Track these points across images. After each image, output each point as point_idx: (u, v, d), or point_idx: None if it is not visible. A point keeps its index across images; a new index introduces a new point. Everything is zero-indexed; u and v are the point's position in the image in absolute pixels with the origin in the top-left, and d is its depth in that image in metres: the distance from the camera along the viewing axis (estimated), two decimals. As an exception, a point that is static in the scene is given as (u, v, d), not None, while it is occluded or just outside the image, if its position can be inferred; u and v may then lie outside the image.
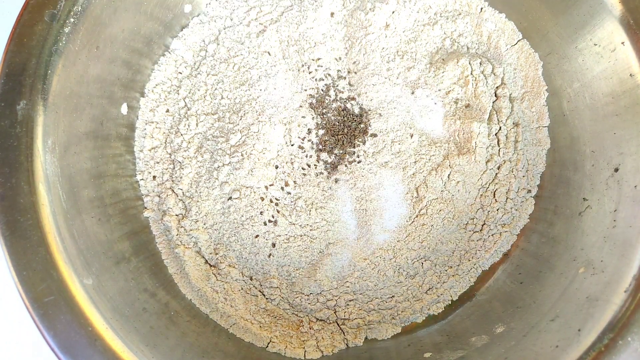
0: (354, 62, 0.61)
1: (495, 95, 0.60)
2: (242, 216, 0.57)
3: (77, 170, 0.50)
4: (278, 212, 0.58)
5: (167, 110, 0.59)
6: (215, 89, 0.59)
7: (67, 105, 0.49)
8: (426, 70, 0.60)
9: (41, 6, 0.47)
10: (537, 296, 0.53)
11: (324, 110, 0.60)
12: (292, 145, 0.59)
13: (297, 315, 0.58)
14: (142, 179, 0.58)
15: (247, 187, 0.58)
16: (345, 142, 0.60)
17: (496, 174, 0.59)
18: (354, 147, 0.60)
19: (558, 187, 0.58)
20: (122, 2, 0.52)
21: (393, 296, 0.59)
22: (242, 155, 0.57)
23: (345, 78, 0.61)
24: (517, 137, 0.60)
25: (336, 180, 0.59)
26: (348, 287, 0.58)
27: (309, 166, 0.59)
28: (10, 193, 0.43)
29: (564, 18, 0.56)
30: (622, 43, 0.51)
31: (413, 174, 0.59)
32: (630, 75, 0.50)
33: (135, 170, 0.58)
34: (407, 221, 0.59)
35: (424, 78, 0.60)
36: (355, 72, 0.61)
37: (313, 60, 0.61)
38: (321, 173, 0.59)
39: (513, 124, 0.60)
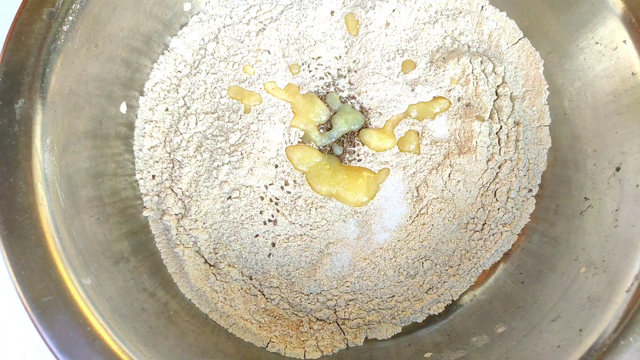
0: (354, 61, 0.60)
1: (496, 94, 0.60)
2: (242, 215, 0.57)
3: (75, 169, 0.49)
4: (278, 211, 0.58)
5: (167, 109, 0.59)
6: (215, 87, 0.59)
7: (65, 104, 0.48)
8: (427, 69, 0.60)
9: (40, 4, 0.46)
10: (539, 296, 0.53)
11: (324, 109, 0.60)
12: (291, 144, 0.59)
13: (297, 315, 0.58)
14: (142, 178, 0.58)
15: (246, 187, 0.57)
16: (345, 141, 0.60)
17: (497, 173, 0.59)
18: (354, 146, 0.60)
19: (559, 186, 0.58)
20: (121, 0, 0.52)
21: (393, 296, 0.58)
22: (241, 154, 0.57)
23: (345, 77, 0.61)
24: (518, 136, 0.60)
25: (336, 180, 0.59)
26: (348, 286, 0.58)
27: (309, 165, 0.59)
28: (9, 192, 0.43)
29: (565, 16, 0.55)
30: (624, 41, 0.50)
31: (413, 173, 0.59)
32: (632, 73, 0.50)
33: (134, 170, 0.58)
34: (407, 221, 0.59)
35: (424, 77, 0.60)
36: (356, 71, 0.60)
37: (313, 58, 0.61)
38: (321, 172, 0.59)
39: (514, 122, 0.60)
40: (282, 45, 0.60)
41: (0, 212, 0.43)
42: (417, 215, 0.59)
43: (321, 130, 0.60)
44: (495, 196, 0.59)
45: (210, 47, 0.60)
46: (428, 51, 0.60)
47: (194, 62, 0.60)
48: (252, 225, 0.57)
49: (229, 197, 0.57)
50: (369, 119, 0.60)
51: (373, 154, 0.59)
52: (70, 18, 0.48)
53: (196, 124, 0.58)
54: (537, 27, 0.59)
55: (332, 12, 0.60)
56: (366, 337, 0.58)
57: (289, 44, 0.60)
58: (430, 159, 0.59)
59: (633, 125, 0.50)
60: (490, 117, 0.59)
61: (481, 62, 0.59)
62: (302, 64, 0.61)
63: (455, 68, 0.59)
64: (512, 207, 0.59)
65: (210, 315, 0.57)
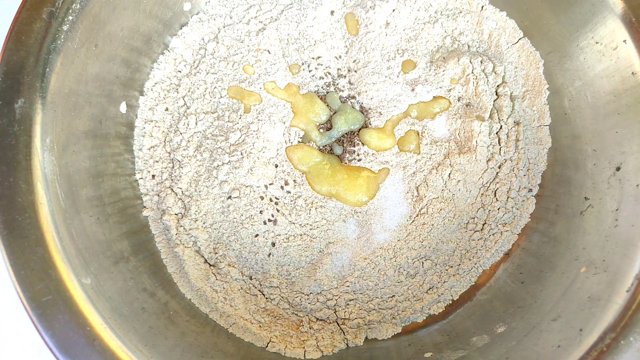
0: (354, 61, 0.60)
1: (496, 94, 0.60)
2: (242, 215, 0.57)
3: (75, 169, 0.49)
4: (278, 211, 0.58)
5: (167, 109, 0.59)
6: (215, 87, 0.59)
7: (65, 104, 0.48)
8: (427, 68, 0.60)
9: (40, 4, 0.46)
10: (539, 296, 0.53)
11: (324, 109, 0.60)
12: (291, 143, 0.59)
13: (297, 314, 0.58)
14: (141, 178, 0.58)
15: (246, 186, 0.57)
16: (345, 140, 0.60)
17: (497, 172, 0.59)
18: (354, 145, 0.60)
19: (559, 186, 0.58)
20: (121, 0, 0.52)
21: (393, 296, 0.58)
22: (241, 154, 0.57)
23: (345, 76, 0.61)
24: (518, 135, 0.60)
25: (336, 179, 0.59)
26: (348, 286, 0.58)
27: (309, 165, 0.59)
28: (9, 192, 0.43)
29: (566, 16, 0.55)
30: (624, 41, 0.50)
31: (413, 173, 0.59)
32: (632, 73, 0.50)
33: (134, 169, 0.58)
34: (407, 220, 0.59)
35: (424, 76, 0.60)
36: (356, 71, 0.60)
37: (313, 58, 0.61)
38: (321, 172, 0.59)
39: (514, 122, 0.60)
40: (282, 45, 0.60)
41: (0, 211, 0.43)
42: (417, 215, 0.59)
43: (321, 130, 0.60)
44: (495, 196, 0.59)
45: (210, 46, 0.60)
46: (428, 51, 0.60)
47: (194, 62, 0.60)
48: (252, 225, 0.57)
49: (229, 197, 0.57)
50: (369, 119, 0.60)
51: (373, 153, 0.59)
52: (70, 18, 0.48)
53: (196, 124, 0.58)
54: (537, 27, 0.59)
55: (332, 12, 0.60)
56: (366, 337, 0.58)
57: (289, 44, 0.60)
58: (430, 158, 0.59)
59: (633, 125, 0.50)
60: (490, 116, 0.59)
61: (481, 62, 0.59)
62: (302, 64, 0.61)
63: (455, 68, 0.59)
64: (512, 207, 0.59)
65: (210, 315, 0.57)
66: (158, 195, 0.58)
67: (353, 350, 0.57)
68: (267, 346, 0.56)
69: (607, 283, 0.47)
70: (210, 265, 0.58)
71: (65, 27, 0.47)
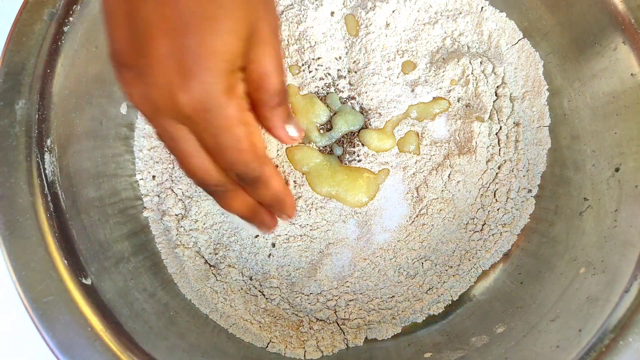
0: (354, 62, 0.61)
1: (496, 95, 0.60)
2: (242, 216, 0.57)
3: (76, 170, 0.50)
4: (278, 211, 0.58)
5: (167, 110, 0.59)
6: (215, 88, 0.59)
7: (66, 105, 0.48)
8: (427, 69, 0.60)
9: (40, 5, 0.46)
10: (538, 296, 0.53)
11: (324, 110, 0.60)
12: (291, 144, 0.59)
13: (297, 315, 0.58)
14: (142, 179, 0.58)
15: (246, 187, 0.57)
16: (345, 141, 0.60)
17: (497, 173, 0.59)
18: (354, 146, 0.60)
19: (559, 186, 0.58)
20: (121, 1, 0.52)
21: (393, 296, 0.59)
22: (241, 154, 0.57)
23: (345, 77, 0.61)
24: (517, 136, 0.60)
25: (336, 180, 0.59)
26: (348, 287, 0.58)
27: (309, 166, 0.59)
28: (10, 193, 0.43)
29: (565, 17, 0.55)
30: (623, 42, 0.50)
31: (413, 174, 0.59)
32: (631, 74, 0.50)
33: (134, 170, 0.58)
34: (407, 221, 0.59)
35: (424, 77, 0.60)
36: (356, 72, 0.61)
37: (313, 59, 0.61)
38: (321, 173, 0.59)
39: (514, 123, 0.60)
40: (282, 46, 0.60)
41: (1, 212, 0.43)
42: (417, 216, 0.59)
43: (321, 131, 0.60)
44: (495, 196, 0.59)
45: (210, 47, 0.60)
46: (428, 52, 0.60)
47: (194, 63, 0.60)
48: (252, 225, 0.57)
49: (229, 198, 0.57)
50: (368, 120, 0.60)
51: (373, 154, 0.59)
52: (71, 19, 0.48)
53: (196, 125, 0.58)
54: (537, 28, 0.59)
55: (332, 13, 0.60)
56: (366, 337, 0.58)
57: (289, 45, 0.60)
58: (430, 159, 0.59)
59: (632, 126, 0.50)
60: (490, 117, 0.59)
61: (481, 63, 0.59)
62: (302, 65, 0.61)
63: (455, 69, 0.59)
64: (511, 208, 0.59)
65: (210, 315, 0.57)
66: (158, 196, 0.58)
67: (353, 351, 0.57)
68: (267, 346, 0.56)
69: (606, 283, 0.47)
70: (211, 266, 0.58)
71: (65, 29, 0.47)
